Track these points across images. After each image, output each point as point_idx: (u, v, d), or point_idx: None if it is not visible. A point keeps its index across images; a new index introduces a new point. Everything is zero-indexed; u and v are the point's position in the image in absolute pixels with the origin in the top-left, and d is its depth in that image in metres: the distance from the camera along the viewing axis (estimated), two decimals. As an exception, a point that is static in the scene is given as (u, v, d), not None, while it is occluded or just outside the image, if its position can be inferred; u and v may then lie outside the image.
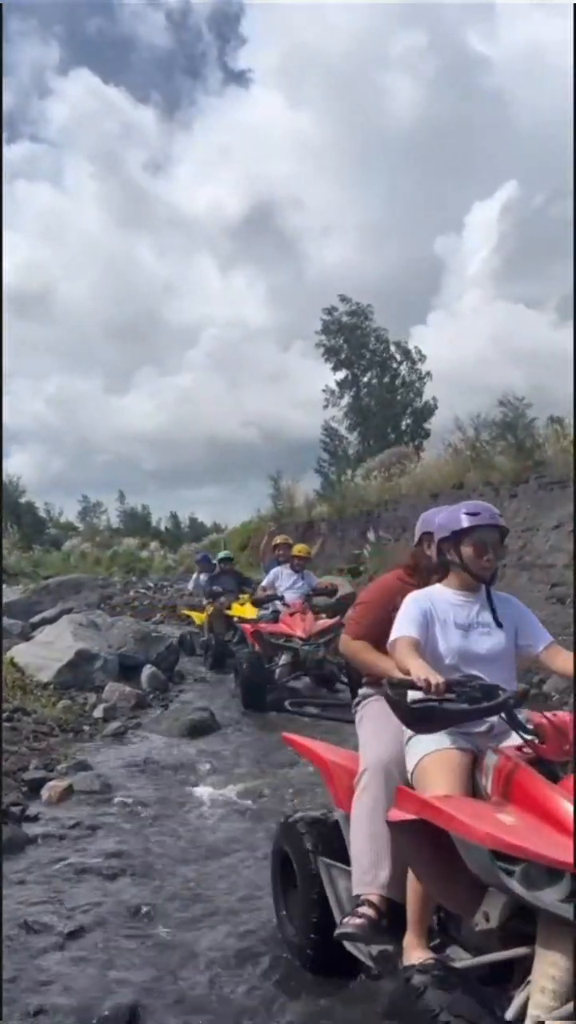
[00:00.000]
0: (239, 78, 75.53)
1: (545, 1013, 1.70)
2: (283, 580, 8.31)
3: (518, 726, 2.12)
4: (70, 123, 74.58)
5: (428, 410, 31.51)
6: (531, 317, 47.73)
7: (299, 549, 8.60)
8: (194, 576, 12.60)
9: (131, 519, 46.27)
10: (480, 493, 12.72)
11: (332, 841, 2.78)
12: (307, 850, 2.80)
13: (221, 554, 11.88)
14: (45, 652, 7.72)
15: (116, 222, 72.87)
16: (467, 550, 2.45)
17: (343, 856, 2.66)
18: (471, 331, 47.29)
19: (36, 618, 10.95)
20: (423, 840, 2.02)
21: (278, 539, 9.46)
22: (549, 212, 47.94)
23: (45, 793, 4.62)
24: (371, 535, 16.21)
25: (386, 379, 32.16)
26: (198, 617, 10.89)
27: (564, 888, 1.70)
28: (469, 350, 47.11)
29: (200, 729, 6.42)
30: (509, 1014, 1.79)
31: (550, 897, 1.71)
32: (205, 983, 2.69)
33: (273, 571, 8.54)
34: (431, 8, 50.86)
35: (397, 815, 2.09)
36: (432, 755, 2.23)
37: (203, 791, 4.83)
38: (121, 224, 72.34)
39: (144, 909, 3.22)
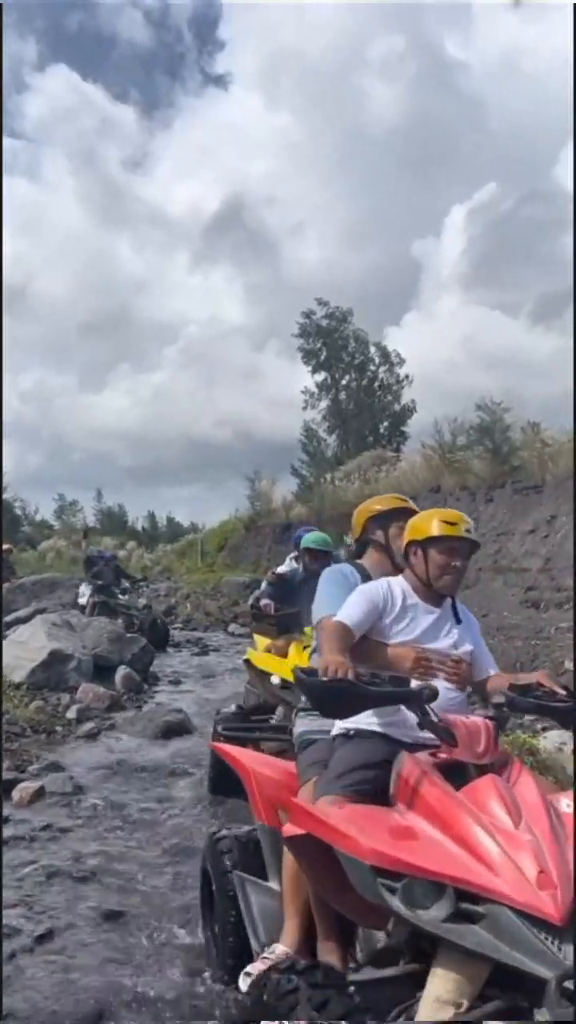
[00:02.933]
0: (218, 80, 75.79)
1: None
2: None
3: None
4: (48, 118, 74.27)
5: (406, 413, 31.67)
6: (505, 321, 48.13)
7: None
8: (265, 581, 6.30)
9: (108, 518, 45.98)
10: (457, 497, 12.83)
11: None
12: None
13: (309, 538, 5.51)
14: (18, 652, 7.64)
15: (94, 218, 72.62)
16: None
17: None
18: (446, 334, 47.69)
19: (10, 617, 10.83)
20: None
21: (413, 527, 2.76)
22: (524, 215, 48.52)
23: (16, 795, 4.57)
24: (348, 538, 16.26)
25: (364, 382, 32.26)
26: (276, 666, 5.01)
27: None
28: (444, 353, 47.46)
29: (174, 731, 6.39)
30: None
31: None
32: (174, 987, 2.68)
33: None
34: (408, 12, 51.33)
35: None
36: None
37: (177, 793, 4.81)
38: (99, 220, 72.11)
39: (115, 912, 3.20)
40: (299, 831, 1.89)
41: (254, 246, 61.56)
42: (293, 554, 6.10)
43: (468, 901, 1.60)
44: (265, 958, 2.28)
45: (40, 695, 7.08)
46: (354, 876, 1.72)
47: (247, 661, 5.19)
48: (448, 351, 47.28)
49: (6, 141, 75.35)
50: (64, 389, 68.58)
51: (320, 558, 5.27)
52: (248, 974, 2.29)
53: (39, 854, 3.79)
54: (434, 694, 2.00)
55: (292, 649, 4.94)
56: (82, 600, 11.36)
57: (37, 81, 78.92)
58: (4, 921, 3.04)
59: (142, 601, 12.78)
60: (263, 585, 5.87)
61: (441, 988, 1.59)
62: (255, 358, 58.43)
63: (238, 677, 9.31)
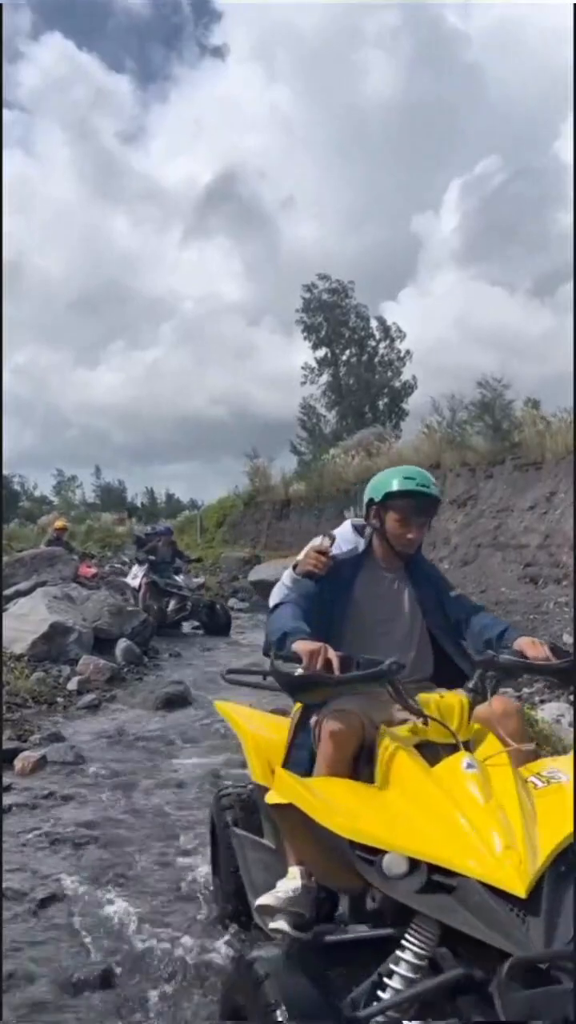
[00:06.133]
0: (215, 52, 74.60)
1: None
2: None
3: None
4: (42, 88, 73.14)
5: (406, 389, 31.56)
6: (503, 297, 47.80)
7: None
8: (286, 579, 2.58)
9: (107, 494, 45.96)
10: (457, 473, 12.83)
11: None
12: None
13: (392, 481, 2.49)
14: (19, 624, 7.68)
15: (88, 192, 71.78)
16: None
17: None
18: (442, 309, 47.38)
19: (10, 590, 10.86)
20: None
21: None
22: (525, 189, 48.02)
23: (18, 764, 4.62)
24: (348, 514, 16.29)
25: (364, 358, 32.09)
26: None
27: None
28: (439, 328, 47.11)
29: (174, 702, 6.45)
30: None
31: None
32: (179, 947, 2.72)
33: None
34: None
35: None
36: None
37: (177, 763, 4.86)
38: (93, 194, 71.26)
39: (118, 876, 3.25)
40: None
41: (250, 221, 60.97)
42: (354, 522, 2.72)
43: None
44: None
45: (41, 667, 7.13)
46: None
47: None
48: (444, 327, 46.98)
49: (-1, 111, 74.08)
50: (58, 366, 68.22)
51: (428, 510, 2.55)
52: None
53: (41, 821, 3.84)
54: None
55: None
56: (133, 582, 10.81)
57: (31, 50, 77.65)
58: (7, 885, 3.09)
59: (197, 581, 12.21)
60: (282, 586, 2.47)
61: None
62: (250, 334, 58.07)
63: (235, 652, 9.37)
